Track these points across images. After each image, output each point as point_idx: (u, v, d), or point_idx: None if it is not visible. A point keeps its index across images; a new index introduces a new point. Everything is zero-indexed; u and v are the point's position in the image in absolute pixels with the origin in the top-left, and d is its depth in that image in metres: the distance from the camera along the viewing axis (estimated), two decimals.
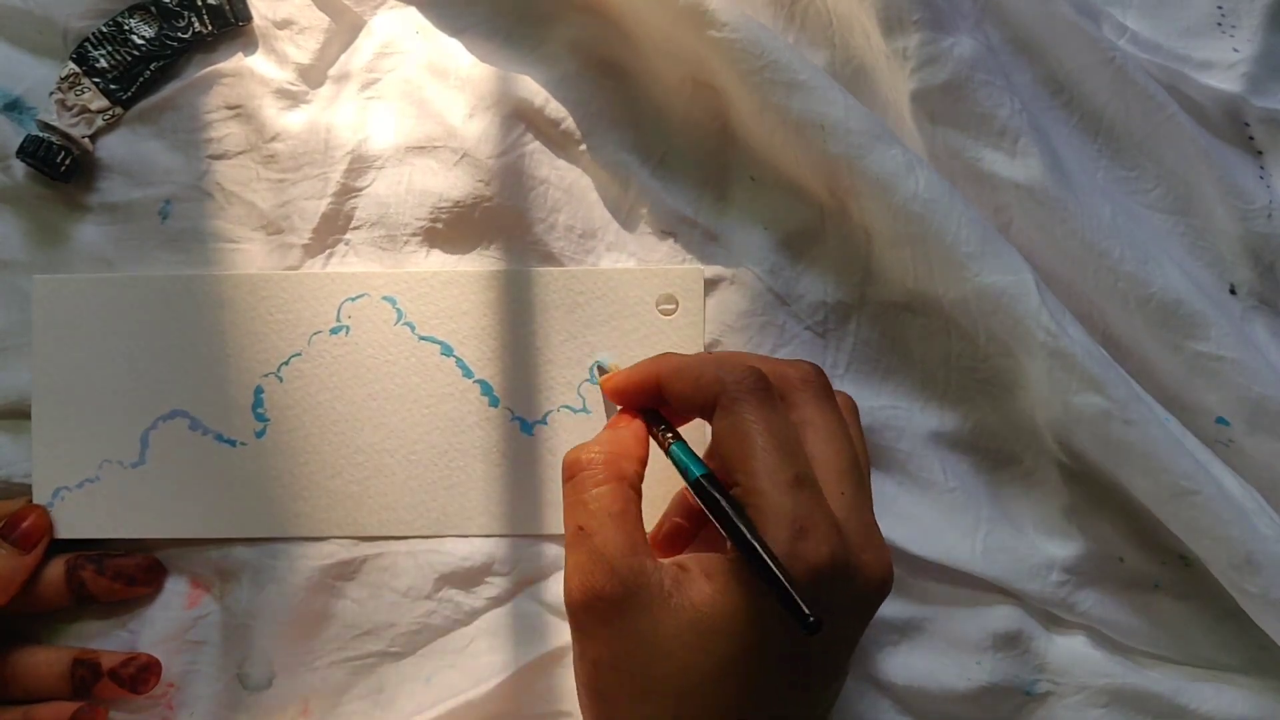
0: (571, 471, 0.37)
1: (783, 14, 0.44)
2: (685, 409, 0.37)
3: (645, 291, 0.44)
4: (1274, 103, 0.44)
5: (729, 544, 0.34)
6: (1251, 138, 0.44)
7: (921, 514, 0.43)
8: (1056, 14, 0.43)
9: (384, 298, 0.43)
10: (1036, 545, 0.43)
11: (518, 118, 0.44)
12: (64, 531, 0.43)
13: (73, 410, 0.43)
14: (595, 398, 0.43)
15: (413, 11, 0.45)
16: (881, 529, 0.42)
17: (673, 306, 0.44)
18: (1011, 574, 0.42)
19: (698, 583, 0.34)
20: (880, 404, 0.44)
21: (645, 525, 0.36)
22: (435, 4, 0.45)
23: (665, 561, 0.35)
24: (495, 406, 0.43)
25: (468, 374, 0.43)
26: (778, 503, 0.33)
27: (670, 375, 0.37)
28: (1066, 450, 0.42)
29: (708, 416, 0.36)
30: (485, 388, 0.43)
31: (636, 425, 0.38)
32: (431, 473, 0.43)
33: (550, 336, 0.43)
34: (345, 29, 0.45)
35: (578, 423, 0.43)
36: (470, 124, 0.44)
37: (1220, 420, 0.42)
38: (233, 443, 0.43)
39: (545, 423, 0.43)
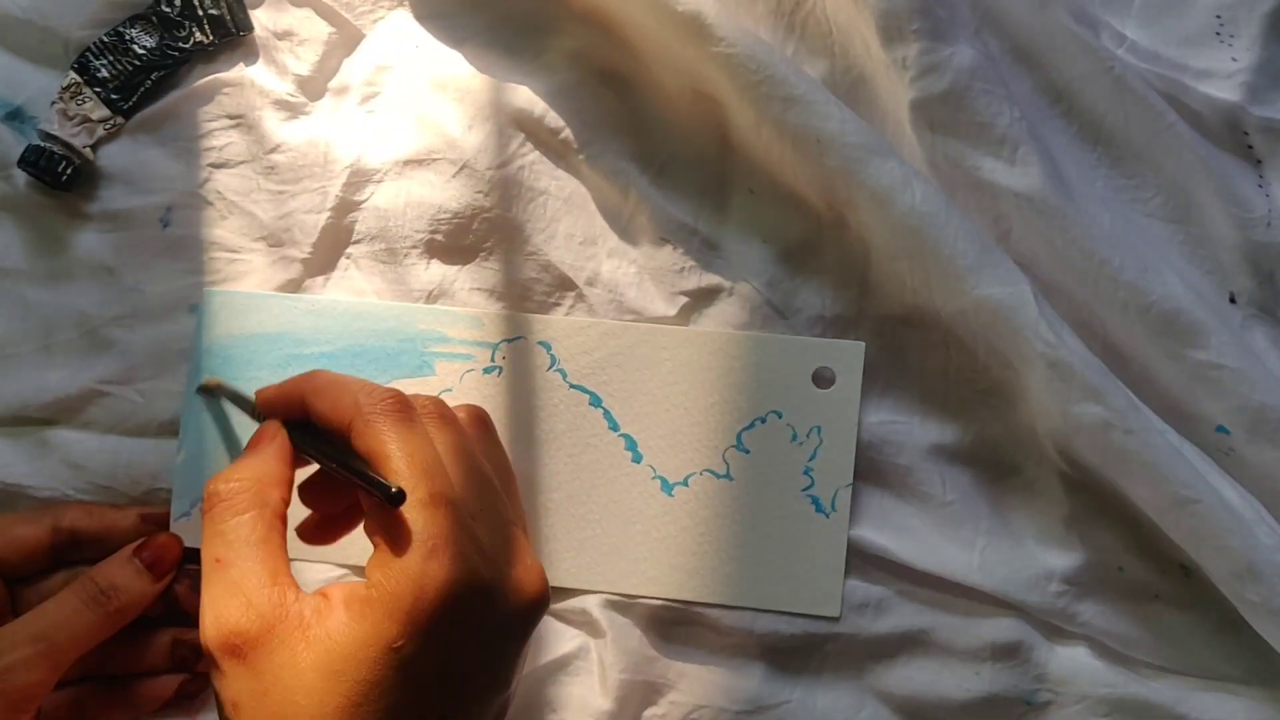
0: (211, 503, 0.35)
1: (783, 24, 0.45)
2: (328, 429, 0.36)
3: (802, 362, 0.43)
4: (1273, 112, 0.44)
5: (369, 565, 0.33)
6: (1250, 147, 0.44)
7: (919, 527, 0.43)
8: (1055, 23, 0.43)
9: (540, 342, 0.43)
10: (1036, 556, 0.43)
11: (516, 128, 0.44)
12: (196, 543, 0.42)
13: (221, 426, 0.43)
14: (740, 465, 0.43)
15: (413, 24, 0.46)
16: (880, 542, 0.42)
17: (829, 380, 0.43)
18: (1011, 585, 0.42)
19: (336, 611, 0.32)
20: (880, 419, 0.43)
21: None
22: (435, 16, 0.46)
23: (309, 594, 0.33)
24: (638, 463, 0.43)
25: (614, 427, 0.43)
26: (409, 521, 0.33)
27: (312, 394, 0.36)
28: (1068, 459, 0.42)
29: (349, 439, 0.35)
30: (630, 443, 0.43)
31: (279, 444, 0.37)
32: (568, 523, 0.43)
33: (700, 398, 0.43)
34: (345, 41, 0.46)
35: (720, 489, 0.43)
36: (469, 135, 0.44)
37: (1220, 429, 0.42)
38: None
39: (686, 485, 0.43)
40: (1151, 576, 0.43)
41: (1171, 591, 0.43)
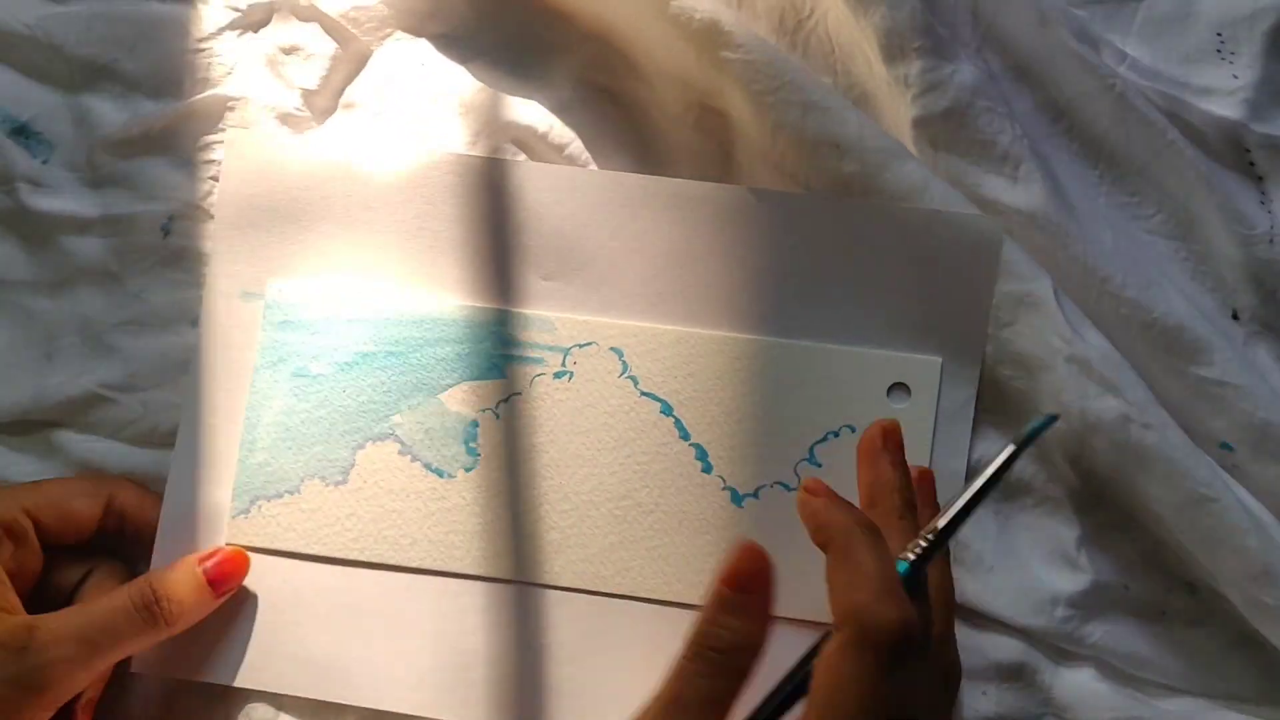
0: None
1: (785, 41, 0.45)
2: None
3: (878, 377, 0.42)
4: (1274, 129, 0.44)
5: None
6: (1252, 163, 0.44)
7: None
8: (1057, 41, 0.44)
9: (611, 348, 0.43)
10: (1042, 579, 0.42)
11: (520, 145, 0.45)
12: (255, 540, 0.43)
13: (285, 422, 0.43)
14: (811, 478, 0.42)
15: (419, 43, 0.46)
16: None
17: (905, 396, 0.42)
18: (1016, 610, 0.42)
19: None
20: None
21: None
22: (442, 35, 0.46)
23: None
24: (708, 473, 0.42)
25: (685, 436, 0.42)
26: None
27: (835, 557, 0.33)
28: (1079, 470, 0.42)
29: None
30: (700, 452, 0.42)
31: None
32: (635, 531, 0.42)
33: (773, 410, 0.42)
34: (352, 57, 0.46)
35: (790, 502, 0.42)
36: (473, 152, 0.44)
37: (1224, 445, 0.42)
38: (440, 473, 0.43)
39: (757, 497, 0.42)
40: (1158, 595, 0.42)
41: (1179, 610, 0.42)
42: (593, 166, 0.45)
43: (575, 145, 0.44)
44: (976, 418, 0.42)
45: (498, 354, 0.43)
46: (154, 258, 0.45)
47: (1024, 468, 0.43)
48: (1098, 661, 0.42)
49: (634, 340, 0.43)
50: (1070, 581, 0.42)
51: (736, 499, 0.42)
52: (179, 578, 0.40)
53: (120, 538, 0.42)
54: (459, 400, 0.43)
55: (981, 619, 0.42)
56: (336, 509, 0.43)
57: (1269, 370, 0.43)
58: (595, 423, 0.43)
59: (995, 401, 0.43)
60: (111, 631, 0.38)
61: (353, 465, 0.43)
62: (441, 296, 0.43)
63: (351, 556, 0.43)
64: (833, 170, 0.42)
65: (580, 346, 0.43)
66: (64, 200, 0.45)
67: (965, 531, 0.42)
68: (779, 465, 0.42)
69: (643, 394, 0.43)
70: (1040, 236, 0.42)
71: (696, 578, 0.42)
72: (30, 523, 0.40)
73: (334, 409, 0.43)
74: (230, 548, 0.42)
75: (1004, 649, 0.42)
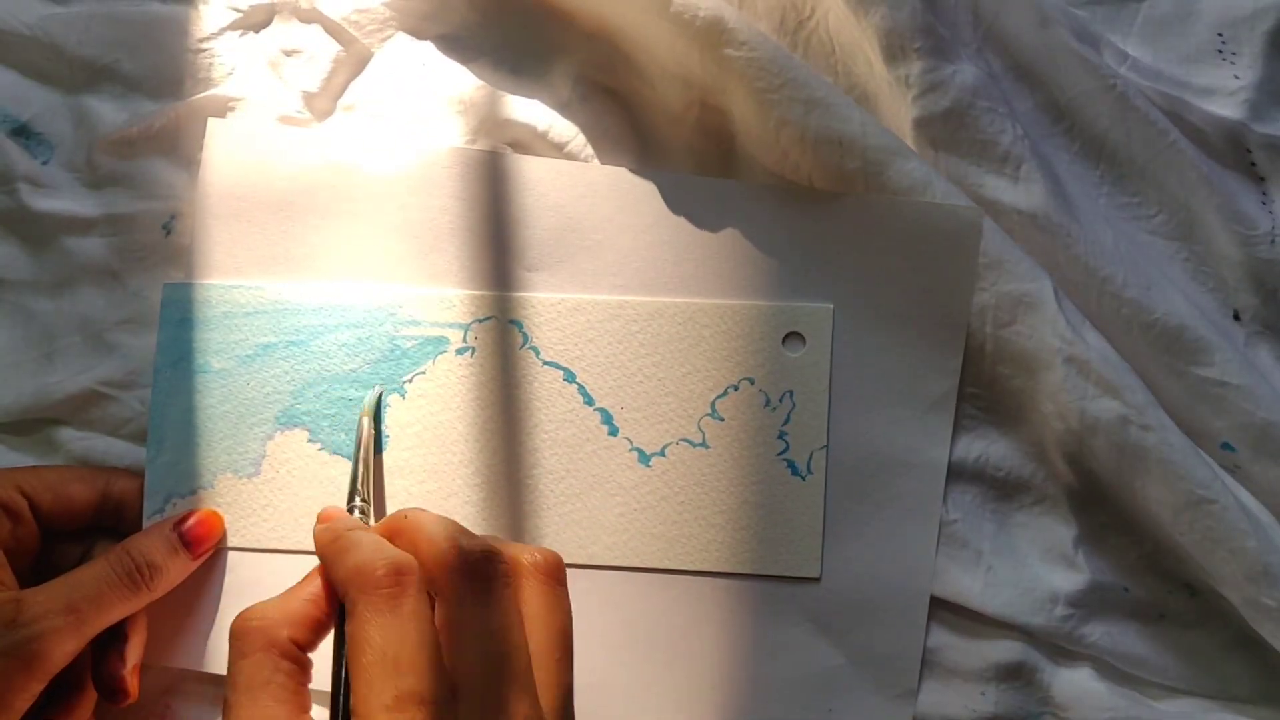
0: (229, 639, 0.33)
1: (785, 42, 0.45)
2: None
3: (772, 327, 0.43)
4: (1275, 129, 0.44)
5: None
6: (1254, 164, 0.44)
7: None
8: (1057, 41, 0.44)
9: (511, 321, 0.43)
10: (1041, 578, 0.42)
11: (520, 144, 0.45)
12: None
13: (191, 419, 0.43)
14: (716, 432, 0.43)
15: (421, 44, 0.46)
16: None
17: (800, 344, 0.43)
18: (1015, 609, 0.42)
19: None
20: None
21: None
22: (443, 36, 0.46)
23: None
24: (614, 436, 0.43)
25: (589, 401, 0.43)
26: None
27: (330, 559, 0.34)
28: (1077, 470, 0.42)
29: None
30: (605, 416, 0.43)
31: (317, 585, 0.35)
32: (547, 499, 0.43)
33: (673, 368, 0.43)
34: (353, 59, 0.46)
35: (696, 457, 0.43)
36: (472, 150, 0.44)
37: (1226, 446, 0.42)
38: (352, 457, 0.43)
39: (664, 455, 0.43)
40: (1157, 596, 0.42)
41: (1177, 611, 0.42)
42: (595, 163, 0.45)
43: (575, 143, 0.44)
44: (959, 410, 0.43)
45: (399, 335, 0.43)
46: (155, 257, 0.45)
47: (1022, 466, 0.43)
48: (1096, 661, 0.42)
49: (532, 311, 0.43)
50: (1068, 580, 0.42)
51: (644, 459, 0.43)
52: (155, 543, 0.40)
53: (119, 529, 0.43)
54: (364, 383, 0.43)
55: (980, 618, 0.42)
56: (251, 500, 0.43)
57: (1270, 371, 0.43)
58: (500, 395, 0.43)
59: (994, 401, 0.43)
60: (96, 600, 0.38)
61: (264, 456, 0.43)
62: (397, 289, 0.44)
63: (270, 546, 0.43)
64: (835, 167, 0.42)
65: (480, 321, 0.43)
66: (64, 200, 0.45)
67: (963, 530, 0.42)
68: (683, 422, 0.43)
69: (545, 363, 0.43)
70: (1041, 237, 0.42)
71: (610, 539, 0.43)
72: (25, 501, 0.40)
73: (239, 402, 0.43)
74: (204, 509, 0.42)
75: (1002, 648, 0.42)
